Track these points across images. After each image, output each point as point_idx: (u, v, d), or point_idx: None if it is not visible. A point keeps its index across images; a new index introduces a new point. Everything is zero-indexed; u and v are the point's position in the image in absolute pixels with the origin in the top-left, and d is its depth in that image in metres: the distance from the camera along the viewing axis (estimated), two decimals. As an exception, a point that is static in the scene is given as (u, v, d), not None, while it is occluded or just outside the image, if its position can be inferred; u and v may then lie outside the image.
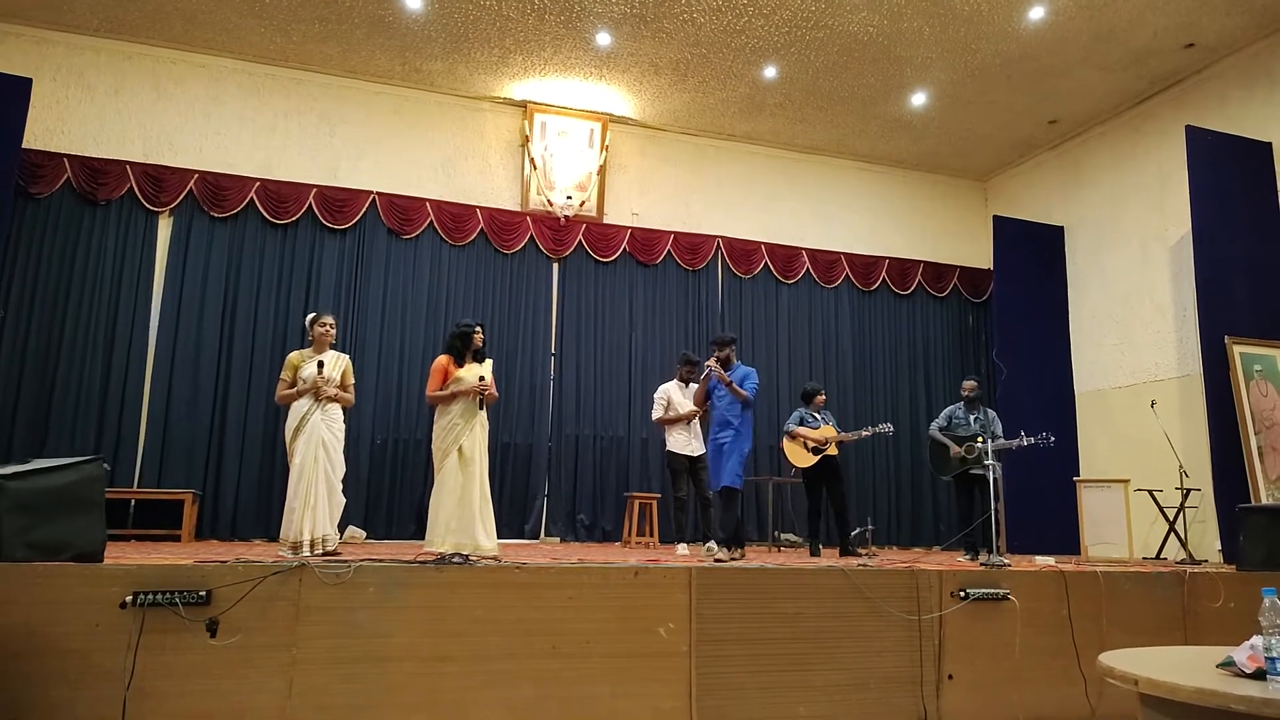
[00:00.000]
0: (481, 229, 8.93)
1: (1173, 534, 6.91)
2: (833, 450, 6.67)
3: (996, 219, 9.65)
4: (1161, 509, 7.03)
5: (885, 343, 10.26)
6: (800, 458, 6.71)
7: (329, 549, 4.95)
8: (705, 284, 9.73)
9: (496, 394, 5.15)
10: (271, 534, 7.38)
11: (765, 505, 8.84)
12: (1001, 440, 6.40)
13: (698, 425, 6.62)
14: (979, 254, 10.65)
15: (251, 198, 8.23)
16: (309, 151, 8.58)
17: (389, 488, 8.19)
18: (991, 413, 6.85)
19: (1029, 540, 8.25)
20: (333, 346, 5.40)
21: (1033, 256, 9.57)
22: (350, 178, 8.64)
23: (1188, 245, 7.70)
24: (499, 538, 5.01)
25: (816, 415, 6.88)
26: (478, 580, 3.87)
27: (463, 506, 4.71)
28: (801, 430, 6.76)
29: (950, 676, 4.40)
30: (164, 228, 8.06)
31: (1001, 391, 9.08)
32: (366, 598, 3.66)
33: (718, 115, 9.46)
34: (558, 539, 8.58)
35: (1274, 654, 1.98)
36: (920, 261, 10.52)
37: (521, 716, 3.74)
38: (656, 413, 6.77)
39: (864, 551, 6.53)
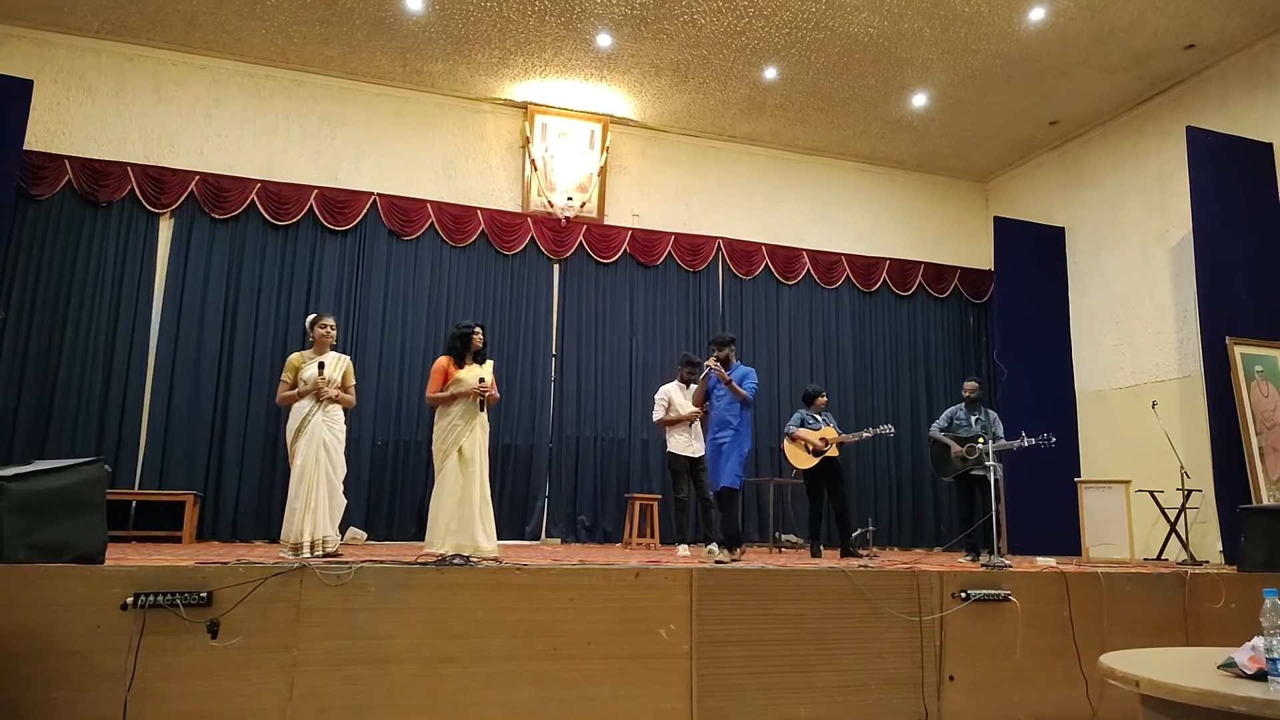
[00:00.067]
0: (482, 230, 8.93)
1: (1174, 535, 6.91)
2: (833, 452, 6.67)
3: (997, 220, 9.67)
4: (1162, 510, 7.03)
5: (886, 344, 10.26)
6: (801, 459, 6.71)
7: (330, 550, 4.95)
8: (706, 285, 9.73)
9: (498, 395, 5.14)
10: (272, 535, 7.38)
11: (766, 506, 8.83)
12: (1002, 441, 6.40)
13: (699, 426, 6.61)
14: (980, 255, 10.65)
15: (252, 199, 8.24)
16: (310, 153, 8.59)
17: (390, 489, 8.20)
18: (992, 413, 6.84)
19: (1030, 541, 8.26)
20: (333, 348, 5.40)
21: (1033, 257, 9.57)
22: (351, 179, 8.65)
23: (1188, 246, 7.70)
24: (499, 539, 5.02)
25: (817, 417, 6.88)
26: (479, 582, 3.86)
27: (463, 508, 4.71)
28: (802, 432, 6.76)
29: (951, 678, 4.40)
30: (165, 229, 8.07)
31: (1002, 392, 9.09)
32: (367, 599, 3.65)
33: (718, 116, 9.46)
34: (558, 540, 8.57)
35: (1275, 655, 1.98)
36: (921, 262, 10.51)
37: (522, 718, 3.74)
38: (657, 414, 6.76)
39: (865, 553, 6.52)
